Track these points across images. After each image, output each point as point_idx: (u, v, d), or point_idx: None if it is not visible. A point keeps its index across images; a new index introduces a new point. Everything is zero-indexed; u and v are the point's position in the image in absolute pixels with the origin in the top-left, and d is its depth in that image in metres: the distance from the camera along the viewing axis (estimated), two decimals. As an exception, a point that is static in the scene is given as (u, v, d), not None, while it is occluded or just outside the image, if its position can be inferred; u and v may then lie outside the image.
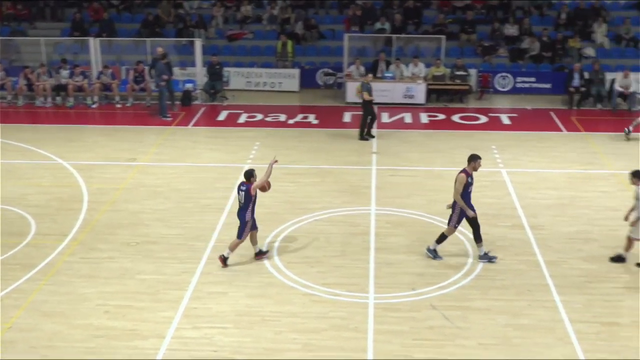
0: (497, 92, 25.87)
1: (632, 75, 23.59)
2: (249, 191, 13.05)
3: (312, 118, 23.65)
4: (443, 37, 25.97)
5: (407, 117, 23.47)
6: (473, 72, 25.67)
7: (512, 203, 16.69)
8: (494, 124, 22.82)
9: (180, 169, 18.83)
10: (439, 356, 10.96)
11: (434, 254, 14.00)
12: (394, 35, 26.77)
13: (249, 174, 13.12)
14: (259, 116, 23.77)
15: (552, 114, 23.79)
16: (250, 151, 20.03)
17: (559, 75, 25.55)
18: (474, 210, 13.63)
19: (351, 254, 14.20)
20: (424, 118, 23.44)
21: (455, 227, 13.87)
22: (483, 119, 23.27)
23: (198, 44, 25.85)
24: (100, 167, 18.95)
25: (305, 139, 21.42)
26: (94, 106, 24.87)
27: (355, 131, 21.28)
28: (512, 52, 26.76)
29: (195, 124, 23.19)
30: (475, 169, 13.77)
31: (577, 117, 23.42)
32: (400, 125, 22.54)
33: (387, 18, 27.67)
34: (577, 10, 27.65)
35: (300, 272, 13.37)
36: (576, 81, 24.14)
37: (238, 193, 13.34)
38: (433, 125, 22.87)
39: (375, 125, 21.37)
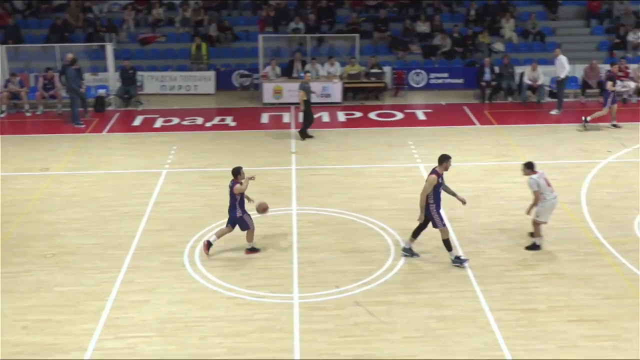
0: (411, 88, 26.27)
1: (540, 68, 24.33)
2: (231, 189, 13.60)
3: (229, 120, 23.49)
4: (357, 35, 26.21)
5: (325, 116, 23.58)
6: (387, 69, 25.96)
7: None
8: (410, 120, 23.17)
9: (96, 177, 18.42)
10: (366, 352, 11.05)
11: (459, 261, 13.72)
12: (308, 35, 26.86)
13: (236, 172, 13.67)
14: (175, 120, 23.47)
15: (465, 108, 24.32)
16: (168, 156, 19.75)
17: (470, 71, 26.13)
18: (441, 212, 13.78)
19: (274, 255, 14.18)
20: (342, 116, 23.62)
21: (444, 225, 13.79)
22: (399, 116, 23.59)
23: (109, 48, 25.34)
24: (12, 178, 18.36)
25: (223, 142, 21.27)
26: (2, 115, 24.05)
27: (275, 131, 21.30)
28: (425, 49, 27.21)
29: (109, 130, 22.71)
30: (447, 169, 13.86)
31: (490, 110, 24.00)
32: (318, 124, 22.63)
33: (301, 18, 27.75)
34: (485, 7, 28.35)
35: (224, 276, 13.27)
36: (487, 76, 24.73)
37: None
38: (350, 123, 23.05)
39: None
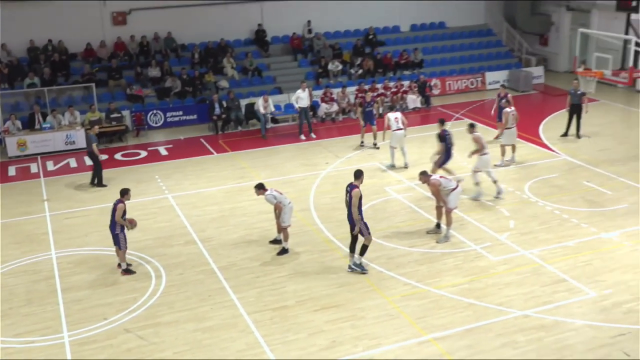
0: (151, 128, 25.83)
1: (270, 99, 24.93)
2: (114, 207, 13.97)
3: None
4: (93, 84, 25.26)
5: (72, 162, 22.35)
6: (127, 113, 25.34)
7: (182, 223, 16.84)
8: (154, 156, 22.77)
9: None
10: (140, 374, 10.70)
11: (361, 267, 13.73)
12: (45, 88, 25.33)
13: (123, 192, 14.20)
14: None
15: (202, 140, 24.42)
16: None
17: (202, 107, 26.31)
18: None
19: (38, 300, 13.20)
20: (88, 161, 22.47)
21: (369, 234, 13.67)
22: (143, 154, 23.09)
23: None
24: None
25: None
26: None
27: (24, 182, 19.86)
28: (158, 91, 26.94)
29: None
30: (362, 182, 13.77)
31: (224, 140, 24.34)
32: (67, 170, 21.44)
33: (36, 73, 26.11)
34: (207, 50, 28.72)
35: (-11, 329, 12.10)
36: (217, 110, 25.03)
37: None
38: (97, 165, 22.10)
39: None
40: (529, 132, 22.89)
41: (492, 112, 22.80)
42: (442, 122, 18.55)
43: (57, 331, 12.07)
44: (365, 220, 13.64)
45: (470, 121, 19.57)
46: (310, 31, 30.63)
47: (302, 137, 24.00)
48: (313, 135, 24.04)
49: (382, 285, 13.30)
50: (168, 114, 26.15)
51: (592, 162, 20.05)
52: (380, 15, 31.84)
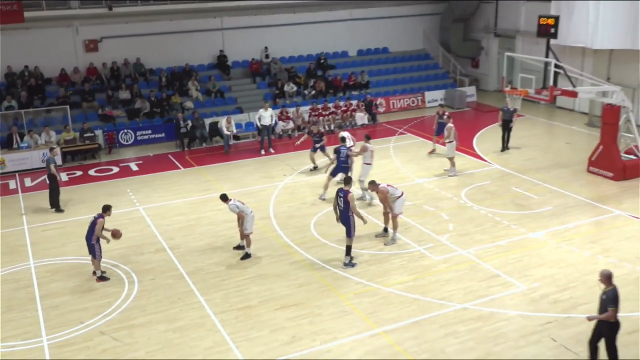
0: (122, 146, 25.40)
1: (232, 119, 24.83)
2: (94, 221, 13.71)
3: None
4: (67, 107, 24.75)
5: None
6: (99, 132, 24.90)
7: (152, 232, 16.59)
8: (126, 172, 22.36)
9: None
10: (116, 372, 10.48)
11: (351, 264, 13.93)
12: (22, 110, 24.70)
13: (105, 208, 14.02)
14: None
15: (170, 156, 24.12)
16: None
17: (169, 126, 26.00)
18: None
19: (18, 307, 12.83)
20: (64, 177, 22.05)
21: (354, 235, 13.95)
22: (115, 170, 22.68)
23: None
24: None
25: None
26: None
27: (2, 198, 19.31)
28: (129, 112, 26.55)
29: None
30: (351, 187, 14.12)
31: (189, 156, 24.09)
32: (43, 186, 20.74)
33: (13, 96, 25.47)
34: (173, 74, 28.44)
35: (-29, 336, 11.70)
36: (183, 129, 24.80)
37: None
38: (73, 181, 21.56)
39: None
40: (464, 144, 23.27)
41: (434, 126, 23.12)
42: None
43: (37, 335, 11.75)
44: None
45: (366, 133, 19.76)
46: (267, 56, 30.63)
47: (263, 152, 23.94)
48: (272, 151, 24.01)
49: (337, 285, 13.31)
50: (138, 133, 25.76)
51: (520, 170, 20.47)
52: (330, 42, 32.10)
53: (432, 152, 22.23)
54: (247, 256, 14.73)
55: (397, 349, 11.01)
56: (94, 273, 13.99)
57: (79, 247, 15.50)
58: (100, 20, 27.30)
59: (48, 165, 18.66)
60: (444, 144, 20.49)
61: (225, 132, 24.33)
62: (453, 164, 20.08)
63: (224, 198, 14.63)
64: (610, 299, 9.70)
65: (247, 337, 11.51)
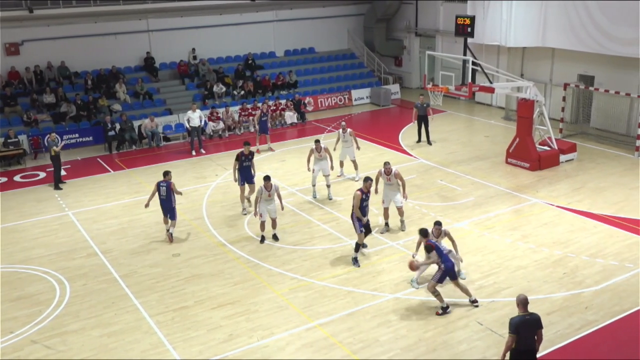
0: (48, 151, 24.40)
1: (157, 120, 24.49)
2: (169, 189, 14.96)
3: None
4: (-11, 112, 23.65)
5: (-29, 186, 20.78)
6: (24, 137, 23.86)
7: (83, 237, 16.05)
8: (53, 177, 21.48)
9: None
10: (49, 381, 10.08)
11: (356, 262, 13.81)
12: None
13: (165, 174, 15.07)
14: None
15: (99, 159, 23.41)
16: None
17: (97, 129, 25.22)
18: (367, 217, 13.89)
19: (-57, 320, 12.14)
20: (-13, 184, 21.04)
21: (362, 232, 13.74)
22: (42, 175, 21.78)
23: None
24: None
25: None
26: None
27: None
28: (54, 116, 25.57)
29: None
30: (367, 189, 13.75)
31: (119, 158, 23.44)
32: (-35, 194, 19.92)
33: None
34: (99, 77, 27.57)
35: None
36: (111, 131, 24.13)
37: None
38: (-2, 188, 20.66)
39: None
40: (390, 140, 23.64)
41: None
42: (246, 143, 17.35)
43: (-37, 348, 11.16)
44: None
45: (317, 138, 19.89)
46: (195, 57, 30.15)
47: (194, 152, 23.57)
48: (203, 151, 23.67)
49: (272, 281, 13.28)
50: (65, 137, 24.82)
51: (443, 163, 20.99)
52: (258, 43, 31.93)
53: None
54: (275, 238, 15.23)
55: (333, 340, 11.09)
56: (169, 231, 15.35)
57: (7, 255, 14.86)
58: (20, 23, 26.13)
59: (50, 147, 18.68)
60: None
61: (149, 128, 24.40)
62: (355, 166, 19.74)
63: (267, 179, 14.88)
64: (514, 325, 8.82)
65: (184, 337, 11.31)
